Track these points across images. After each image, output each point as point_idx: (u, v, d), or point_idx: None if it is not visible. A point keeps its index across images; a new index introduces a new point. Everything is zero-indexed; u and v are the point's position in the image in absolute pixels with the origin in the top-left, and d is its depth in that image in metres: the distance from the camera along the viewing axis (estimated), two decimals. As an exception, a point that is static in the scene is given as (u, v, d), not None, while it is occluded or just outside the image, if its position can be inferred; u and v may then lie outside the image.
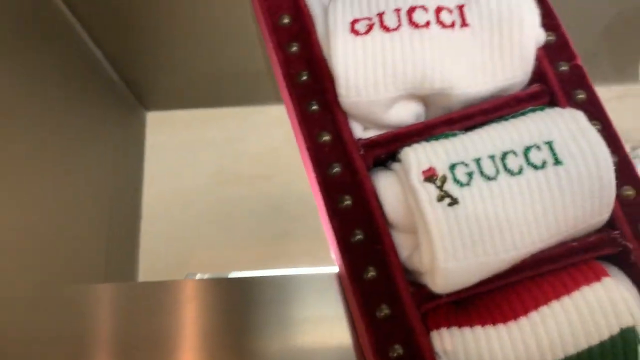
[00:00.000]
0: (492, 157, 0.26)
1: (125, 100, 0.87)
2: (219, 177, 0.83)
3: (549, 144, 0.26)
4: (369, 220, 0.27)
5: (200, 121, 0.88)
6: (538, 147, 0.26)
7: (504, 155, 0.26)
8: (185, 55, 0.77)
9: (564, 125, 0.26)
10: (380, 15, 0.28)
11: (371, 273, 0.26)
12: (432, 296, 0.26)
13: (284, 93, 0.30)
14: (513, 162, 0.25)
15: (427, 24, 0.27)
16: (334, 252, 0.28)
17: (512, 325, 0.25)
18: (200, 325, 0.31)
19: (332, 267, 0.30)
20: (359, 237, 0.27)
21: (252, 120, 0.84)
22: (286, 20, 0.30)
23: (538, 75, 0.29)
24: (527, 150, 0.26)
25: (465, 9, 0.28)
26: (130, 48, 0.79)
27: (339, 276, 0.29)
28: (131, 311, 0.33)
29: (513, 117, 0.28)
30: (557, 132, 0.26)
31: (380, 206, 0.27)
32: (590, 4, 0.61)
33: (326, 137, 0.28)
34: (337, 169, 0.28)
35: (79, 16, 0.68)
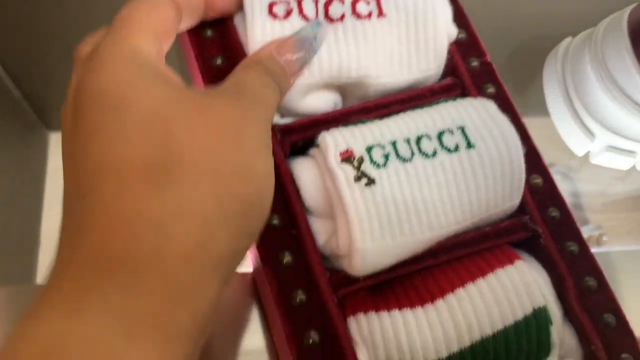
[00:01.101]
0: (407, 141, 0.26)
1: (26, 119, 0.82)
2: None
3: (462, 129, 0.26)
4: (285, 206, 0.26)
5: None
6: (451, 132, 0.26)
7: (418, 139, 0.26)
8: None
9: (475, 112, 0.27)
10: (299, 1, 0.27)
11: (287, 258, 0.25)
12: (349, 281, 0.25)
13: (197, 79, 0.29)
14: (427, 146, 0.26)
15: (342, 17, 0.27)
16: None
17: (429, 307, 0.24)
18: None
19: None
20: (275, 222, 0.25)
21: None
22: (201, 5, 0.29)
23: (451, 69, 0.30)
24: (440, 134, 0.26)
25: (382, 0, 0.28)
26: (34, 64, 0.75)
27: (254, 267, 0.27)
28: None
29: (428, 106, 0.28)
30: (468, 118, 0.26)
31: (297, 191, 0.26)
32: (491, 38, 0.65)
33: (241, 123, 0.27)
34: (252, 155, 0.27)
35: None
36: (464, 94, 0.29)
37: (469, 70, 0.30)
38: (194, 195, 0.18)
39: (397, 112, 0.28)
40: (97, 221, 0.17)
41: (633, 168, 0.37)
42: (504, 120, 0.26)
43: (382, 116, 0.28)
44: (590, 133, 0.34)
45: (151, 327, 0.16)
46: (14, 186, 0.75)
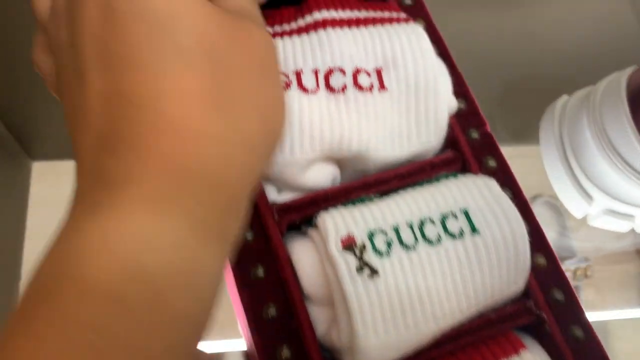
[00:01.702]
0: (410, 226, 0.25)
1: (7, 148, 0.80)
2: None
3: (465, 212, 0.25)
4: (282, 293, 0.25)
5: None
6: (455, 216, 0.25)
7: (422, 224, 0.25)
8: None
9: (478, 192, 0.26)
10: (298, 74, 0.27)
11: (285, 352, 0.24)
12: (351, 376, 0.24)
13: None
14: (431, 231, 0.25)
15: (344, 88, 0.27)
16: (242, 328, 0.26)
17: None
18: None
19: (238, 341, 0.27)
20: (272, 311, 0.24)
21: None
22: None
23: (450, 141, 0.29)
24: (444, 218, 0.25)
25: (384, 73, 0.28)
26: (16, 95, 0.73)
27: (248, 355, 0.26)
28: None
29: (428, 182, 0.27)
30: (471, 199, 0.26)
31: (295, 276, 0.25)
32: (486, 71, 0.65)
33: (236, 201, 0.26)
34: (249, 236, 0.26)
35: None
36: (464, 167, 0.29)
37: (469, 142, 0.29)
38: (246, 126, 0.20)
39: (397, 187, 0.28)
40: (166, 136, 0.18)
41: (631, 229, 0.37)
42: (507, 202, 0.26)
43: (382, 192, 0.27)
44: (588, 196, 0.34)
45: (216, 234, 0.19)
46: (-6, 216, 0.73)
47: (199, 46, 0.19)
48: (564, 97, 0.37)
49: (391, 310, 0.23)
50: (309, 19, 0.28)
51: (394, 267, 0.24)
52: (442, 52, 0.31)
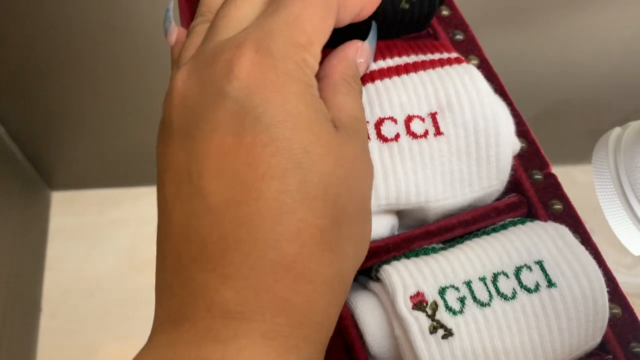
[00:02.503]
0: (483, 280, 0.23)
1: (28, 178, 0.79)
2: (130, 263, 0.76)
3: (540, 264, 0.24)
4: (347, 354, 0.23)
5: (110, 201, 0.80)
6: (529, 268, 0.24)
7: (495, 278, 0.23)
8: (94, 131, 0.72)
9: (551, 242, 0.25)
10: None
11: (355, 420, 0.22)
12: None
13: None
14: (505, 285, 0.23)
15: (397, 136, 0.25)
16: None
17: None
18: None
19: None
20: (338, 374, 0.23)
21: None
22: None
23: (513, 183, 0.28)
24: (518, 271, 0.24)
25: (439, 117, 0.26)
26: (35, 124, 0.73)
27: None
28: None
29: (494, 230, 0.26)
30: (545, 250, 0.24)
31: (360, 336, 0.24)
32: (523, 93, 0.64)
33: (293, 253, 0.25)
34: (307, 291, 0.24)
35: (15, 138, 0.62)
36: (530, 211, 0.27)
37: (533, 185, 0.28)
38: (346, 268, 0.20)
39: (461, 235, 0.26)
40: (281, 276, 0.18)
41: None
42: (583, 253, 0.24)
43: (445, 241, 0.26)
44: (648, 233, 0.33)
45: None
46: (16, 245, 0.72)
47: (325, 191, 0.19)
48: (617, 130, 0.36)
49: (469, 373, 0.22)
50: None
51: (468, 326, 0.22)
52: (499, 89, 0.30)
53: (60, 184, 0.86)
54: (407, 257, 0.25)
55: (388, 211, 0.26)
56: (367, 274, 0.26)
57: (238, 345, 0.17)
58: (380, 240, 0.26)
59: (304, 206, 0.18)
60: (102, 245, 0.77)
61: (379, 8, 0.25)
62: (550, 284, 0.23)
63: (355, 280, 0.26)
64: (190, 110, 0.19)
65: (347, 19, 0.23)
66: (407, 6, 0.27)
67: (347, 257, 0.20)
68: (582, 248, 0.24)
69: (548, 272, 0.24)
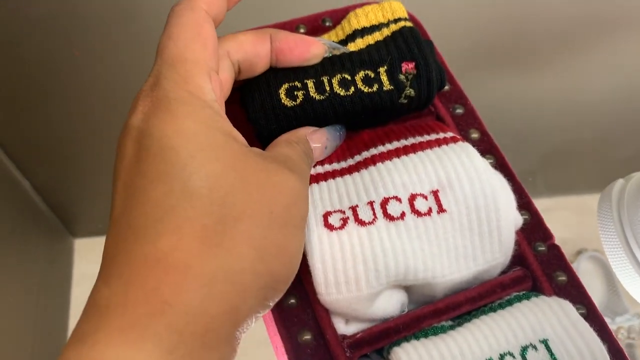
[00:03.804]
0: (490, 362, 0.24)
1: (51, 228, 0.81)
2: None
3: (545, 343, 0.25)
4: None
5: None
6: (535, 347, 0.25)
7: (501, 358, 0.24)
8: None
9: (556, 319, 0.25)
10: (354, 209, 0.27)
11: None
12: None
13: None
14: (512, 367, 0.24)
15: (403, 215, 0.26)
16: None
17: None
18: None
19: None
20: None
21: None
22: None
23: (517, 256, 0.29)
24: (524, 350, 0.25)
25: (441, 195, 0.27)
26: (58, 176, 0.75)
27: None
28: None
29: (500, 306, 0.27)
30: (550, 328, 0.25)
31: (374, 420, 0.25)
32: (533, 131, 0.65)
33: (307, 337, 0.26)
34: (322, 375, 0.25)
35: (5, 147, 0.64)
36: (535, 284, 0.28)
37: (537, 258, 0.29)
38: (237, 265, 0.20)
39: (468, 312, 0.27)
40: (152, 267, 0.19)
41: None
42: (587, 330, 0.25)
43: (453, 318, 0.27)
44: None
45: None
46: (42, 294, 0.74)
47: (210, 190, 0.20)
48: (620, 182, 0.37)
49: None
50: (358, 158, 0.28)
51: (478, 412, 0.23)
52: (500, 162, 0.31)
53: (83, 231, 0.88)
54: (417, 337, 0.26)
55: (397, 288, 0.27)
56: (381, 354, 0.27)
57: (94, 340, 0.18)
58: (391, 321, 0.27)
59: (186, 204, 0.20)
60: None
61: (378, 104, 0.27)
62: (556, 363, 0.24)
63: (367, 358, 0.27)
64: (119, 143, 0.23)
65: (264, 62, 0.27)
66: (405, 101, 0.28)
67: (241, 256, 0.20)
68: (586, 325, 0.25)
69: (553, 350, 0.24)
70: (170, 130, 0.21)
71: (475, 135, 0.32)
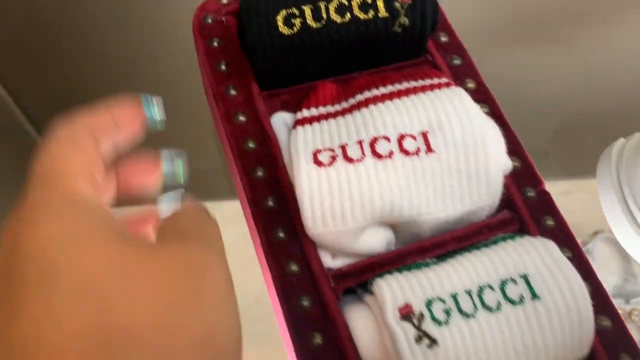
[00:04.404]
0: (469, 292, 0.25)
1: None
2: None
3: (525, 277, 0.25)
4: (342, 361, 0.25)
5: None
6: (514, 281, 0.25)
7: (480, 290, 0.25)
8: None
9: (538, 256, 0.26)
10: (343, 147, 0.27)
11: (346, 423, 0.24)
12: None
13: (249, 220, 0.29)
14: (490, 298, 0.25)
15: (391, 154, 0.27)
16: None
17: None
18: None
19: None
20: (333, 381, 0.25)
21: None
22: (252, 145, 0.29)
23: (506, 201, 0.29)
24: (503, 284, 0.25)
25: (430, 136, 0.28)
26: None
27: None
28: None
29: (485, 245, 0.27)
30: (531, 264, 0.25)
31: (353, 345, 0.25)
32: (542, 107, 0.64)
33: (294, 268, 0.27)
34: (306, 303, 0.26)
35: (33, 122, 0.66)
36: (522, 227, 0.28)
37: (525, 202, 0.29)
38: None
39: (453, 250, 0.28)
40: None
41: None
42: (568, 266, 0.25)
43: (438, 256, 0.27)
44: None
45: None
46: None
47: (81, 297, 0.17)
48: (621, 140, 0.37)
49: (452, 381, 0.23)
50: (352, 101, 0.29)
51: (453, 336, 0.24)
52: (495, 112, 0.31)
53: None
54: (400, 271, 0.26)
55: (383, 225, 0.28)
56: (365, 288, 0.27)
57: None
58: (376, 256, 0.27)
59: (58, 306, 0.17)
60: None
61: (373, 32, 0.27)
62: (534, 296, 0.24)
63: (353, 293, 0.27)
64: None
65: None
66: (399, 30, 0.29)
67: (138, 352, 0.16)
68: (568, 263, 0.25)
69: (533, 285, 0.25)
70: (31, 240, 0.18)
71: (471, 85, 0.32)
